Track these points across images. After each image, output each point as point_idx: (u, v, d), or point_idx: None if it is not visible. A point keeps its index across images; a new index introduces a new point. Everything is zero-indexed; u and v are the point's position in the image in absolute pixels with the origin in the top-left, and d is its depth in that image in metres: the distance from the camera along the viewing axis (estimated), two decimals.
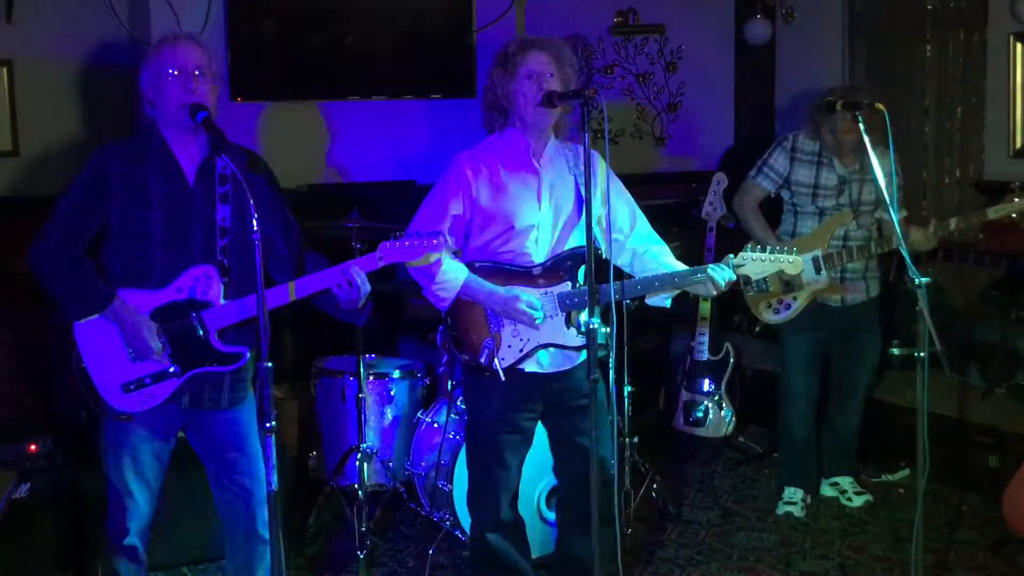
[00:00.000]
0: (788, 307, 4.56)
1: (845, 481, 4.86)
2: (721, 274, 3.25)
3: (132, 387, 3.11)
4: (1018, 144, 5.55)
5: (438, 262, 3.28)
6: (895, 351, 5.63)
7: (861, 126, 3.67)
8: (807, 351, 4.68)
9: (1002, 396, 5.10)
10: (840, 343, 4.72)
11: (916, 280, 3.29)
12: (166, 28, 5.08)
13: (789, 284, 4.47)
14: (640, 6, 6.52)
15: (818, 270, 4.43)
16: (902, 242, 3.49)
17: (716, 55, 6.88)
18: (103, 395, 3.13)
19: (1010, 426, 4.81)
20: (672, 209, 5.87)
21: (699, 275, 3.26)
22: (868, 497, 4.78)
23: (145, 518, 3.27)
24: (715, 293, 3.31)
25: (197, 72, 3.07)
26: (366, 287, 3.11)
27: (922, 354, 3.33)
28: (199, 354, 3.13)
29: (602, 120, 5.77)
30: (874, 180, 4.40)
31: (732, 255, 3.30)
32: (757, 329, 5.43)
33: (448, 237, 3.17)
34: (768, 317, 4.62)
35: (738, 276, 3.30)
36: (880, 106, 3.61)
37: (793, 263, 3.28)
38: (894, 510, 4.76)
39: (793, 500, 4.74)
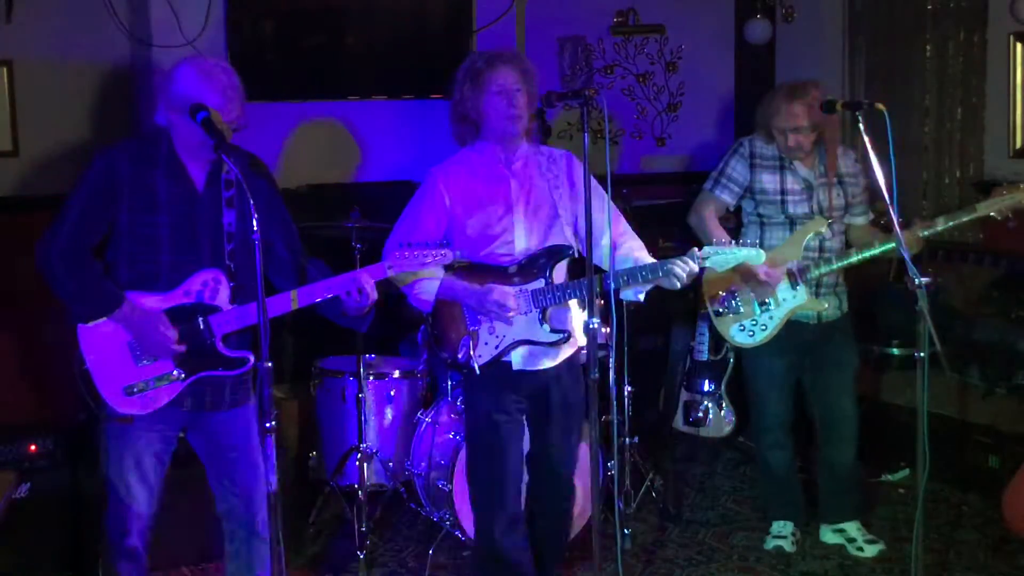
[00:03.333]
0: (764, 328, 4.17)
1: (852, 527, 4.38)
2: (684, 268, 3.28)
3: (135, 390, 3.10)
4: (1018, 144, 5.54)
5: None
6: (895, 351, 5.62)
7: (861, 126, 3.66)
8: (782, 375, 4.30)
9: (1002, 396, 5.09)
10: (814, 362, 4.34)
11: (916, 280, 3.29)
12: (166, 28, 5.10)
13: (764, 304, 4.16)
14: (640, 6, 6.51)
15: (794, 284, 4.11)
16: (902, 243, 3.49)
17: (716, 55, 6.88)
18: (105, 397, 3.10)
19: (1010, 426, 4.82)
20: (672, 209, 5.86)
21: (664, 268, 3.30)
22: (881, 546, 4.32)
23: (146, 519, 3.26)
24: (679, 286, 3.34)
25: (238, 123, 3.07)
26: (374, 295, 3.14)
27: (922, 354, 3.32)
28: (204, 358, 3.12)
29: (603, 120, 5.78)
30: (846, 180, 4.31)
31: (696, 248, 3.33)
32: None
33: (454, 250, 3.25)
34: (741, 340, 4.22)
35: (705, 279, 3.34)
36: (880, 106, 3.59)
37: (757, 255, 3.32)
38: (894, 510, 4.77)
39: (782, 534, 4.42)
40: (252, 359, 3.17)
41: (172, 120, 3.07)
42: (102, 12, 5.21)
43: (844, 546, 4.37)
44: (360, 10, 5.77)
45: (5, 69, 5.05)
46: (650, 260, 3.43)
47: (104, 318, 3.07)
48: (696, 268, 3.30)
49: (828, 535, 4.44)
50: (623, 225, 3.57)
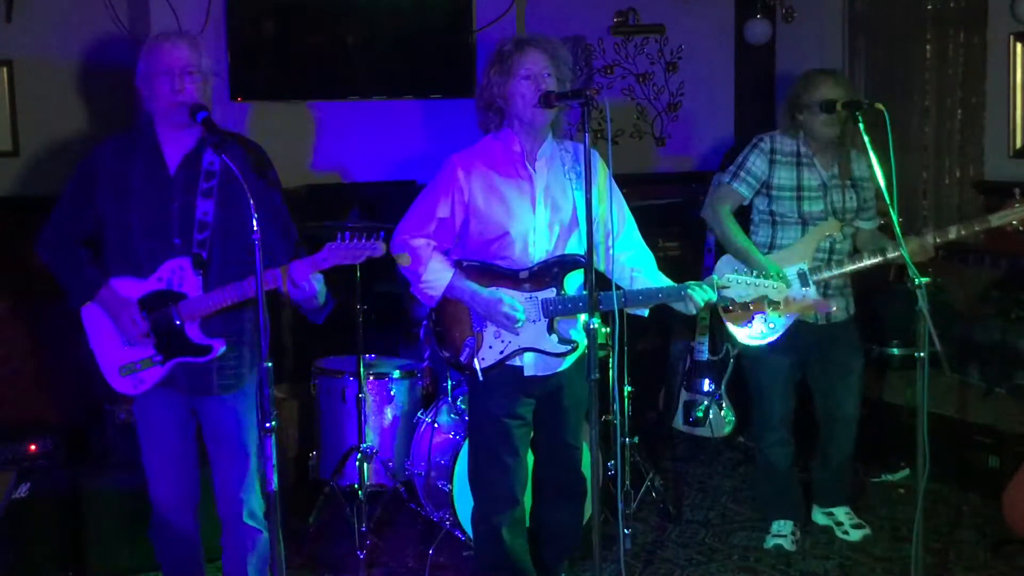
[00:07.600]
0: (772, 328, 4.13)
1: (841, 512, 4.51)
2: (702, 295, 3.27)
3: (126, 371, 3.26)
4: (1018, 144, 5.54)
5: (422, 260, 3.32)
6: (895, 351, 5.63)
7: (861, 126, 3.65)
8: (786, 374, 4.30)
9: (1002, 396, 5.09)
10: (819, 364, 4.34)
11: (916, 280, 3.29)
12: (166, 28, 5.10)
13: (773, 302, 4.12)
14: (640, 6, 6.51)
15: (805, 284, 4.09)
16: (902, 243, 3.48)
17: (716, 55, 6.87)
18: (106, 376, 3.29)
19: (1010, 426, 4.82)
20: (672, 209, 5.87)
21: (682, 293, 3.29)
22: (867, 531, 4.44)
23: (182, 495, 3.39)
24: (695, 312, 3.33)
25: (185, 71, 3.14)
26: (314, 287, 3.16)
27: (922, 354, 3.32)
28: (176, 344, 3.24)
29: (603, 120, 5.78)
30: (859, 184, 4.31)
31: (716, 276, 3.32)
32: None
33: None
34: (749, 339, 4.17)
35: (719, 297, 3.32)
36: (880, 106, 3.58)
37: (778, 288, 3.29)
38: (894, 510, 4.77)
39: (782, 533, 4.41)
40: (221, 348, 3.23)
41: (146, 96, 3.21)
42: (102, 12, 5.21)
43: (832, 528, 4.51)
44: (360, 10, 5.77)
45: (5, 69, 5.05)
46: (665, 280, 3.42)
47: (88, 302, 3.26)
48: (715, 297, 3.28)
49: (818, 516, 4.59)
50: (636, 236, 3.53)
